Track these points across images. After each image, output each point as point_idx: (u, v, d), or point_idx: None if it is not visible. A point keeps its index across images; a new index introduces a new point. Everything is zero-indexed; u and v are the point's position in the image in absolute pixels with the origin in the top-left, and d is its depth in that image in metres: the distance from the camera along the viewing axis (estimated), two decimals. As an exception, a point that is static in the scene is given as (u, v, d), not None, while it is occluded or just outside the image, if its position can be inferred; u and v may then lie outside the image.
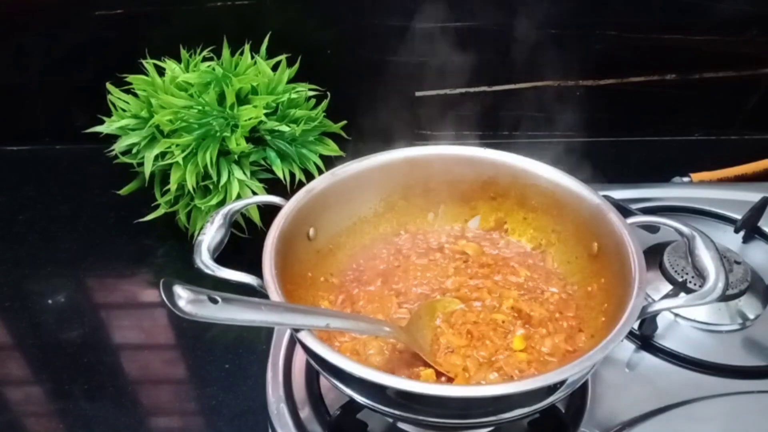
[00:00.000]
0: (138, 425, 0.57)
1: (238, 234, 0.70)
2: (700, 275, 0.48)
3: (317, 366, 0.46)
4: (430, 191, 0.61)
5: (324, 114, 0.76)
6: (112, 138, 0.74)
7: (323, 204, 0.56)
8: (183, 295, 0.37)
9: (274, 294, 0.45)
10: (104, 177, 0.79)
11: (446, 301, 0.55)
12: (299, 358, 0.58)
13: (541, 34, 0.85)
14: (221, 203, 0.68)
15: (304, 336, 0.42)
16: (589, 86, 0.88)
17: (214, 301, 0.38)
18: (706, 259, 0.48)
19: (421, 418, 0.44)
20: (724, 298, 0.60)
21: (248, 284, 0.48)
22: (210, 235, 0.50)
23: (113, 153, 0.74)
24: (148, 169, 0.70)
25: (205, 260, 0.48)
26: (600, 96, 0.89)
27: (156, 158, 0.70)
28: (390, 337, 0.48)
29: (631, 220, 0.53)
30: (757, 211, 0.70)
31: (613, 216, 0.52)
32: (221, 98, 0.71)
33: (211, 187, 0.69)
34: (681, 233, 0.51)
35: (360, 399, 0.45)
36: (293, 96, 0.73)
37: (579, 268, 0.56)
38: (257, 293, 0.47)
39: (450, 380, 0.49)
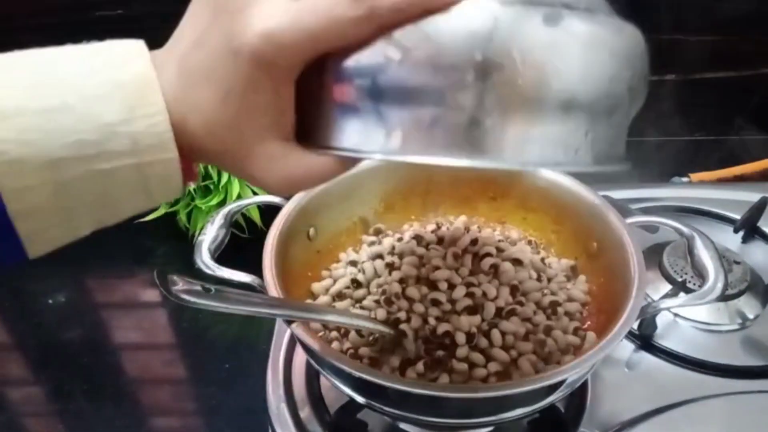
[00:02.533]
0: (138, 425, 0.58)
1: (238, 234, 0.70)
2: (700, 275, 0.48)
3: (316, 365, 0.46)
4: (430, 191, 0.61)
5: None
6: (112, 138, 0.74)
7: (323, 204, 0.56)
8: (178, 282, 0.38)
9: (275, 293, 0.45)
10: (104, 177, 0.79)
11: None
12: (299, 358, 0.58)
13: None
14: (221, 203, 0.68)
15: (303, 335, 0.43)
16: (589, 86, 0.88)
17: (208, 291, 0.38)
18: (706, 259, 0.48)
19: (420, 417, 0.44)
20: (724, 298, 0.60)
21: (248, 284, 0.48)
22: (210, 235, 0.50)
23: (113, 153, 0.74)
24: (148, 169, 0.70)
25: (205, 260, 0.48)
26: (600, 96, 0.89)
27: (156, 158, 0.70)
28: (387, 336, 0.48)
29: (630, 220, 0.53)
30: (756, 211, 0.70)
31: (613, 216, 0.52)
32: (221, 98, 0.71)
33: (211, 187, 0.69)
34: (680, 233, 0.51)
35: (359, 399, 0.45)
36: (293, 96, 0.73)
37: (578, 268, 0.56)
38: (258, 289, 0.47)
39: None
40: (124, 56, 0.28)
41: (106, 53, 0.28)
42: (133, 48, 0.29)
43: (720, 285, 0.46)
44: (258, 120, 0.29)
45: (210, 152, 0.29)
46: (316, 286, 0.54)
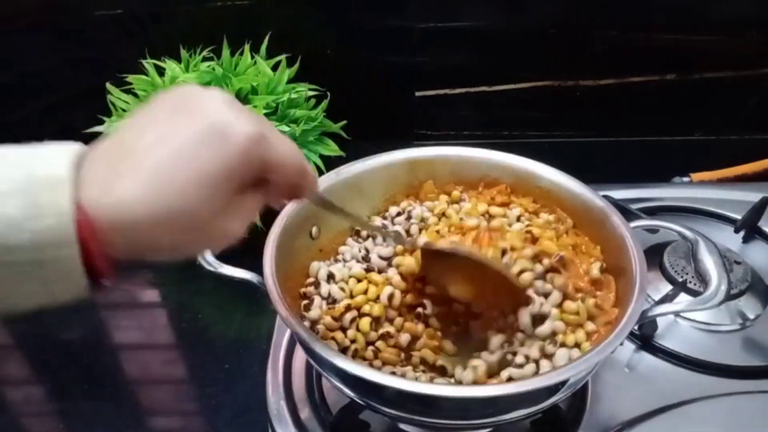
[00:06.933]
0: (138, 425, 0.57)
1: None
2: (702, 280, 0.47)
3: (316, 365, 0.46)
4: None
5: (324, 114, 0.76)
6: (112, 138, 0.74)
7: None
8: None
9: (273, 291, 0.45)
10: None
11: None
12: (299, 358, 0.58)
13: (541, 33, 0.85)
14: (221, 203, 0.68)
15: (304, 335, 0.43)
16: (589, 86, 0.88)
17: None
18: (709, 264, 0.48)
19: (420, 418, 0.44)
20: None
21: (249, 281, 0.48)
22: None
23: (113, 153, 0.74)
24: (148, 169, 0.70)
25: (207, 257, 0.48)
26: (600, 96, 0.89)
27: (156, 158, 0.70)
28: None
29: (634, 224, 0.52)
30: (757, 211, 0.70)
31: (616, 219, 0.52)
32: (221, 98, 0.71)
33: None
34: (684, 237, 0.51)
35: (359, 399, 0.45)
36: (293, 96, 0.73)
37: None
38: (258, 290, 0.47)
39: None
40: (44, 155, 0.29)
41: (27, 153, 0.29)
42: (59, 149, 0.30)
43: (723, 289, 0.46)
44: (224, 194, 0.32)
45: (158, 238, 0.31)
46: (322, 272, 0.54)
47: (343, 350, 0.48)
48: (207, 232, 0.32)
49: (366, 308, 0.50)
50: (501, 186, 0.59)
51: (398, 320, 0.50)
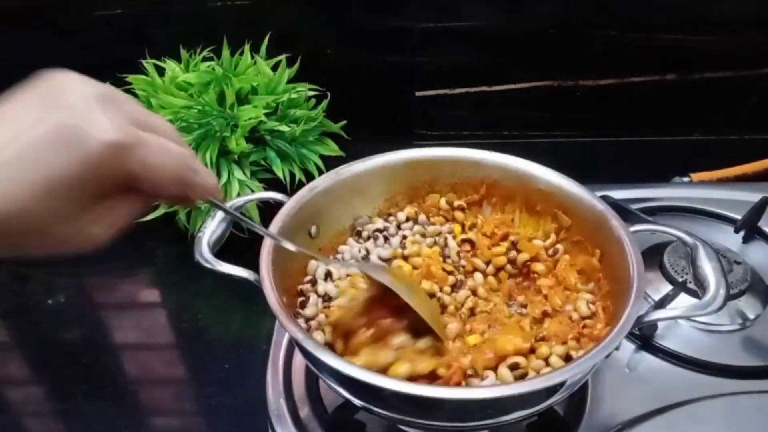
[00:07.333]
0: (138, 425, 0.58)
1: (237, 234, 0.70)
2: (701, 285, 0.47)
3: (313, 368, 0.46)
4: (433, 193, 0.61)
5: (324, 114, 0.76)
6: (112, 138, 0.74)
7: (326, 202, 0.56)
8: None
9: (269, 289, 0.45)
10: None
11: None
12: (299, 358, 0.58)
13: (541, 33, 0.85)
14: (221, 203, 0.68)
15: (302, 339, 0.42)
16: (589, 86, 0.88)
17: None
18: (708, 270, 0.47)
19: (416, 420, 0.44)
20: (724, 298, 0.60)
21: (246, 279, 0.48)
22: (211, 229, 0.50)
23: (113, 153, 0.74)
24: (148, 169, 0.70)
25: (204, 254, 0.48)
26: (600, 96, 0.89)
27: (156, 158, 0.70)
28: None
29: (634, 228, 0.52)
30: (757, 211, 0.70)
31: (616, 223, 0.51)
32: (221, 98, 0.71)
33: (211, 187, 0.69)
34: (684, 242, 0.50)
35: (356, 401, 0.45)
36: (293, 96, 0.73)
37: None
38: (258, 290, 0.47)
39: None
40: None
41: None
42: None
43: (722, 294, 0.45)
44: (70, 204, 0.30)
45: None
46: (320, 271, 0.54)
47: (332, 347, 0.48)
48: (55, 237, 0.31)
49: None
50: (497, 198, 0.59)
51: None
